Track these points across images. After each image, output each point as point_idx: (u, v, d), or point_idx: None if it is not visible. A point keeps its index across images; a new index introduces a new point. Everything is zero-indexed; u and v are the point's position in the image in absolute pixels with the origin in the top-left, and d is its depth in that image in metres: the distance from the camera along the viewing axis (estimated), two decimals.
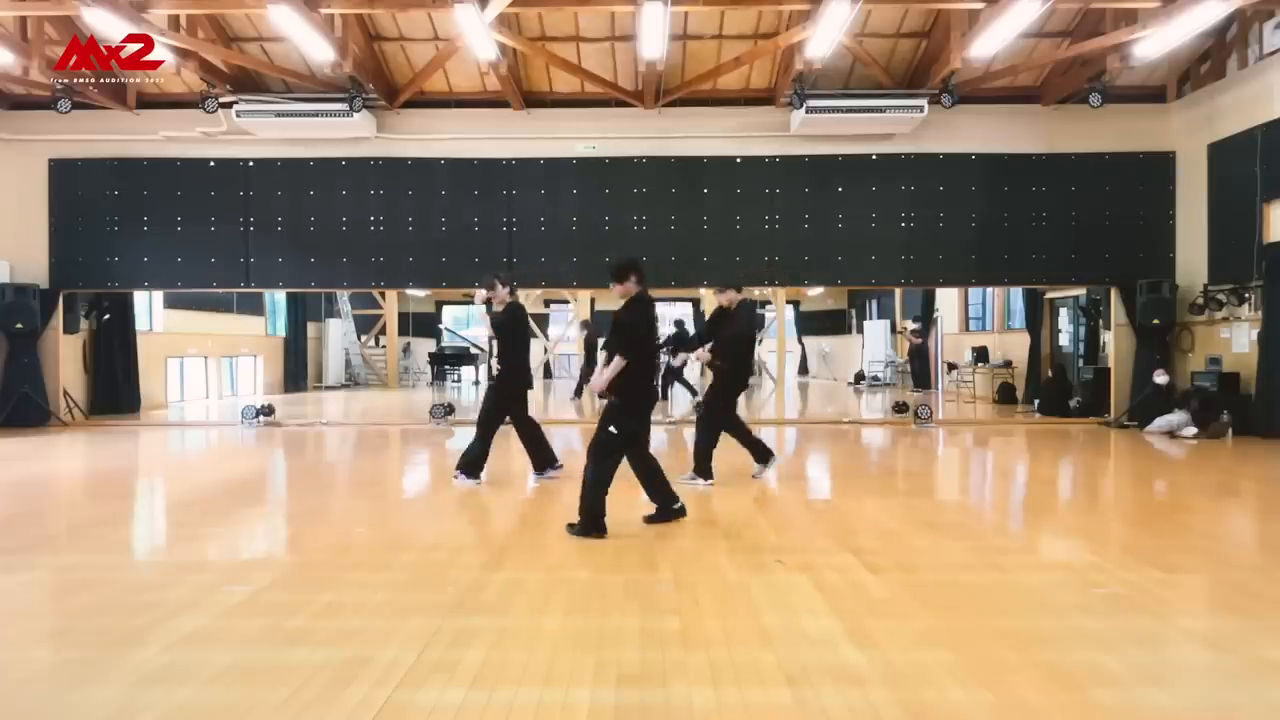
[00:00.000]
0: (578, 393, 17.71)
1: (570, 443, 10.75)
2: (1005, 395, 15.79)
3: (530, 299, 25.10)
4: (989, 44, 9.75)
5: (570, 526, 5.15)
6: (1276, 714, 2.79)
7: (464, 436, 11.22)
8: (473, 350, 26.23)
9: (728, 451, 7.03)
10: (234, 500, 6.89)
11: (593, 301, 26.41)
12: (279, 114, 11.27)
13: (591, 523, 5.06)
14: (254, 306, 19.70)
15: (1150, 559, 4.60)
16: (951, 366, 18.48)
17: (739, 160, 11.96)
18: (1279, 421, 9.93)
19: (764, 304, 24.83)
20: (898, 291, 21.92)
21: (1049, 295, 15.40)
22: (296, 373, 21.17)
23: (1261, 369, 10.18)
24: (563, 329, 28.07)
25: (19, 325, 11.54)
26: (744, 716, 2.68)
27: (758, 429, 12.26)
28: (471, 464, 6.96)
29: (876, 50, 11.42)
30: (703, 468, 6.86)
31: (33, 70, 10.37)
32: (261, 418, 12.34)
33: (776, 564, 4.46)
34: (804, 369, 28.48)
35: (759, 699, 2.80)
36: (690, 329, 18.20)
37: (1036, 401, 14.23)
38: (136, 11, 9.15)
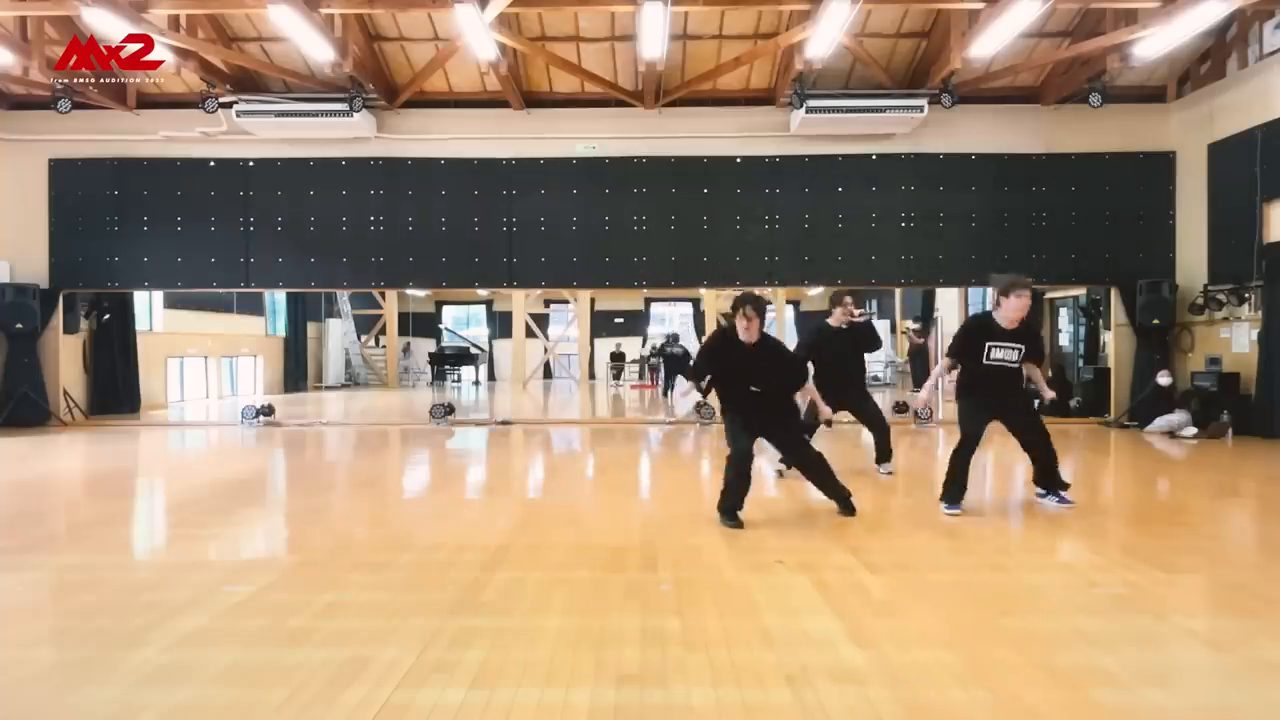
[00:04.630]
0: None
1: (570, 442, 10.76)
2: None
3: (530, 299, 25.20)
4: (989, 44, 9.75)
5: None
6: (1276, 714, 2.78)
7: (464, 436, 11.27)
8: (473, 350, 26.26)
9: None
10: (234, 500, 6.89)
11: (592, 302, 26.45)
12: (279, 114, 11.27)
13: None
14: (254, 306, 19.73)
15: (1151, 559, 4.59)
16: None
17: (739, 160, 11.96)
18: (1279, 421, 9.93)
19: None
20: (898, 291, 21.93)
21: (1049, 295, 15.39)
22: (296, 373, 21.20)
23: (1261, 369, 10.17)
24: (563, 329, 28.07)
25: (19, 325, 11.55)
26: (744, 716, 2.68)
27: None
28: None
29: (876, 50, 11.42)
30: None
31: (33, 70, 10.38)
32: (261, 418, 12.35)
33: (776, 564, 4.45)
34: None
35: (759, 699, 2.79)
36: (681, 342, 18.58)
37: (1036, 401, 14.18)
38: (136, 11, 9.15)
